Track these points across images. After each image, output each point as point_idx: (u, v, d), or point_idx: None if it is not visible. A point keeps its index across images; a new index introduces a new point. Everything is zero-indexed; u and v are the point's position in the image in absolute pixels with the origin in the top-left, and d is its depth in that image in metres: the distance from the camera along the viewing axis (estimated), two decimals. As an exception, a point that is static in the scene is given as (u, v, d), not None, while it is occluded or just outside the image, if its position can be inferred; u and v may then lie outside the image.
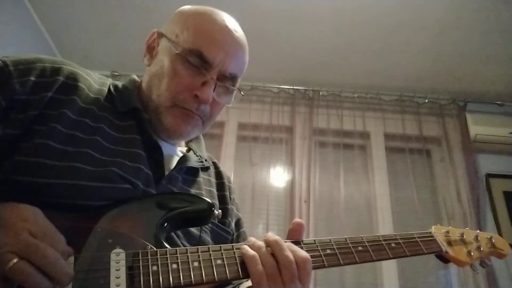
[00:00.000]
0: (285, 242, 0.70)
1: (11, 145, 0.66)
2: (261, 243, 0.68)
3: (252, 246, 0.68)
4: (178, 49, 0.81)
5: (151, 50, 0.90)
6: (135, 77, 0.93)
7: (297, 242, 0.72)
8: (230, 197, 0.99)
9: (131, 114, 0.82)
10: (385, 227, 2.49)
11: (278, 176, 2.70)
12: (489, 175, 2.63)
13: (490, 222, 2.49)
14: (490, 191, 2.59)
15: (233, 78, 0.86)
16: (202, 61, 0.81)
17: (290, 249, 0.67)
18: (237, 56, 0.85)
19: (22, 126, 0.67)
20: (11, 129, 0.67)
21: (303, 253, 0.68)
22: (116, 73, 2.81)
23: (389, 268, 2.37)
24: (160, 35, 0.88)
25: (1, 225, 0.52)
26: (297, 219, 0.75)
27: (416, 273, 2.43)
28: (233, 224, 0.96)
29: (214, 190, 0.95)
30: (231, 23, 0.87)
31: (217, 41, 0.82)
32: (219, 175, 1.00)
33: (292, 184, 2.59)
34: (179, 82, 0.81)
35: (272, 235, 0.69)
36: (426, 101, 2.85)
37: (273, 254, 0.66)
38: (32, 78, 0.71)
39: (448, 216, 2.53)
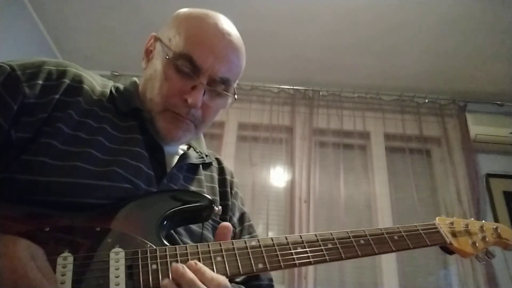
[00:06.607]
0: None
1: (21, 147, 0.67)
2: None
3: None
4: (170, 53, 0.81)
5: (148, 53, 0.90)
6: (136, 79, 0.94)
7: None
8: (231, 192, 0.98)
9: (132, 114, 0.83)
10: (385, 227, 2.48)
11: (278, 176, 2.70)
12: (489, 175, 2.63)
13: (490, 222, 2.49)
14: (490, 191, 2.58)
15: (224, 82, 0.84)
16: (192, 65, 0.80)
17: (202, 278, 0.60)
18: (229, 59, 0.83)
19: (33, 129, 0.68)
20: (22, 132, 0.68)
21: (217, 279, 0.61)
22: (116, 73, 2.81)
23: (389, 268, 2.37)
24: (156, 39, 0.88)
25: None
26: (223, 223, 0.74)
27: (416, 273, 2.43)
28: (235, 219, 0.95)
29: (216, 186, 0.95)
30: (224, 26, 0.84)
31: (207, 45, 0.81)
32: (221, 171, 1.00)
33: (292, 184, 2.59)
34: (169, 87, 0.81)
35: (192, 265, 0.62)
36: (426, 101, 2.85)
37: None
38: (40, 82, 0.72)
39: (448, 216, 2.52)
